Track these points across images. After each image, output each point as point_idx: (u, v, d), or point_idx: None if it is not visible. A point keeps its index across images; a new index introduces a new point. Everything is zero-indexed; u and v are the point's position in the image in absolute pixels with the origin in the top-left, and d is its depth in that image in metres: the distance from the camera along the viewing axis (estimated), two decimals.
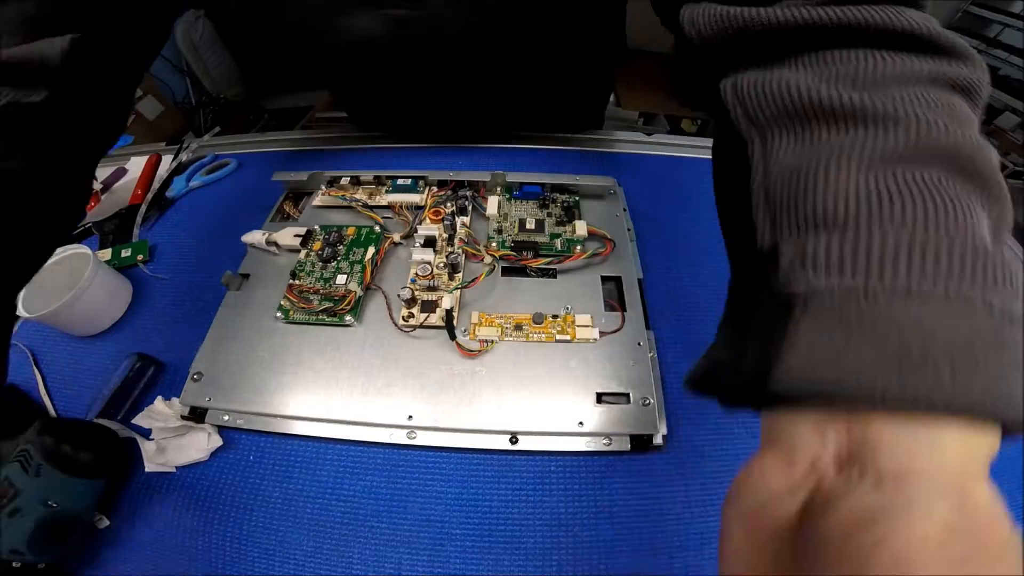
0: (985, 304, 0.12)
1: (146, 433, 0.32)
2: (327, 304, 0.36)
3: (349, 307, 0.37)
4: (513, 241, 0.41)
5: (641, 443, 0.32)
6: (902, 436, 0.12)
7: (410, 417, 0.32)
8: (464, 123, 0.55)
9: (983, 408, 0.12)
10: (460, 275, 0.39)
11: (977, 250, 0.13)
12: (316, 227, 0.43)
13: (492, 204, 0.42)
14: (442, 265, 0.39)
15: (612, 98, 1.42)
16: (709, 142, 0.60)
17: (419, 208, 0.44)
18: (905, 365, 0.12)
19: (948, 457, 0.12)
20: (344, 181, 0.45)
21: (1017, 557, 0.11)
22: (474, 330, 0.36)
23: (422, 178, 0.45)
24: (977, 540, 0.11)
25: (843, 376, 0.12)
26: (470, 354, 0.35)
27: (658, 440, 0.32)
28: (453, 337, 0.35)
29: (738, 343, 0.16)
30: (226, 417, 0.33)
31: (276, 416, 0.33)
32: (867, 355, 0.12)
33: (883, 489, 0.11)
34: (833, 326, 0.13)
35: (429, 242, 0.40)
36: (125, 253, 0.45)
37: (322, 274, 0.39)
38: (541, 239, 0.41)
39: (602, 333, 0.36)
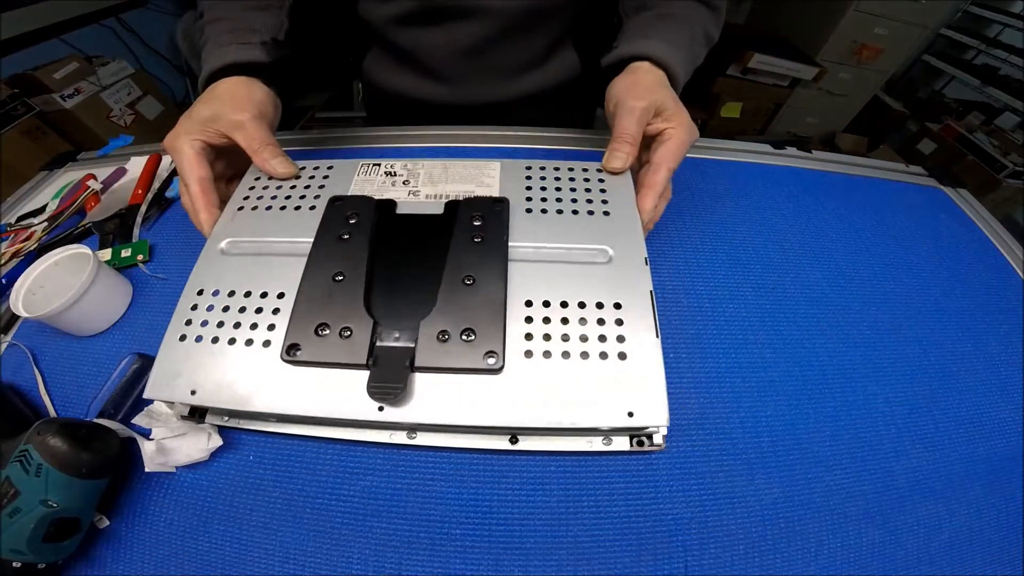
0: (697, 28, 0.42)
1: (146, 433, 0.32)
2: None
3: None
4: None
5: (641, 443, 0.32)
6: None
7: None
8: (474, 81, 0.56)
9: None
10: None
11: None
12: None
13: None
14: None
15: None
16: (707, 142, 0.60)
17: None
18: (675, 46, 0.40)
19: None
20: None
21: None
22: None
23: None
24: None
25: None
26: None
27: (658, 440, 0.32)
28: None
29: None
30: (226, 417, 0.33)
31: (276, 416, 0.33)
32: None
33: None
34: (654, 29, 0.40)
35: None
36: (125, 253, 0.45)
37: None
38: None
39: None
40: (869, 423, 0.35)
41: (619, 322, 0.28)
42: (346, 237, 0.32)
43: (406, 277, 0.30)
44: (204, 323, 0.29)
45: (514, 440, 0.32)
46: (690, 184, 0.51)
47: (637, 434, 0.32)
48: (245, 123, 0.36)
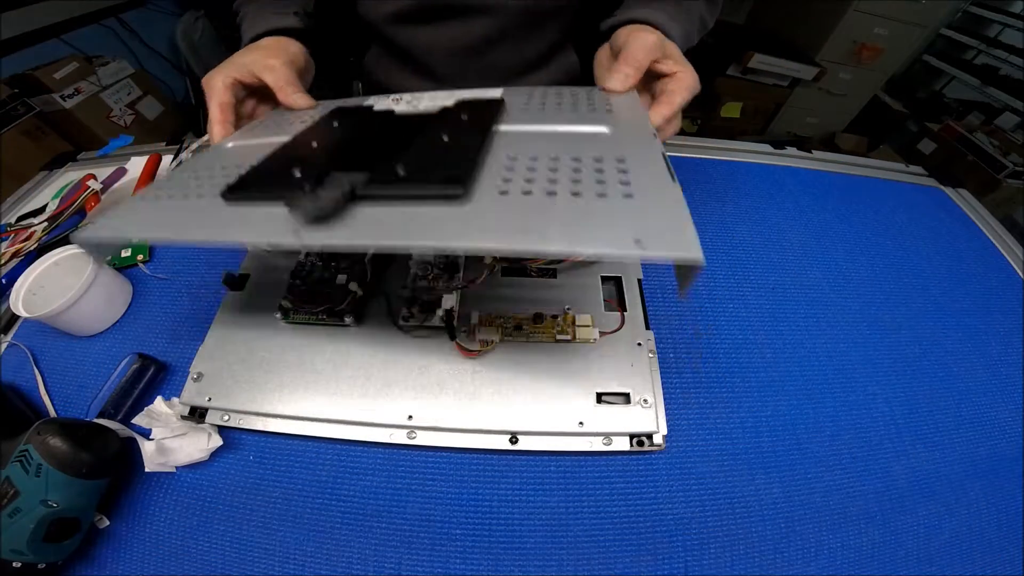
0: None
1: (146, 433, 0.32)
2: (327, 304, 0.36)
3: (349, 307, 0.37)
4: None
5: (641, 443, 0.32)
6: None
7: (410, 417, 0.32)
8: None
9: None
10: (460, 275, 0.39)
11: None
12: None
13: None
14: (443, 265, 0.39)
15: None
16: (707, 142, 0.60)
17: None
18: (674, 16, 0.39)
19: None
20: None
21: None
22: (474, 330, 0.36)
23: None
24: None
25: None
26: (470, 354, 0.35)
27: (658, 440, 0.32)
28: (453, 337, 0.35)
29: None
30: (226, 417, 0.33)
31: (276, 416, 0.33)
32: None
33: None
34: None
35: None
36: (125, 253, 0.44)
37: (323, 274, 0.39)
38: None
39: (602, 333, 0.36)
40: (869, 423, 0.35)
41: (623, 171, 0.23)
42: (336, 124, 0.32)
43: (383, 145, 0.28)
44: (174, 185, 0.27)
45: (514, 440, 0.32)
46: (690, 184, 0.51)
47: (637, 434, 0.32)
48: (276, 66, 0.38)
